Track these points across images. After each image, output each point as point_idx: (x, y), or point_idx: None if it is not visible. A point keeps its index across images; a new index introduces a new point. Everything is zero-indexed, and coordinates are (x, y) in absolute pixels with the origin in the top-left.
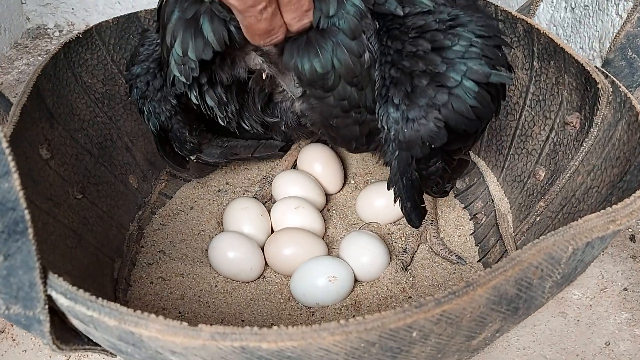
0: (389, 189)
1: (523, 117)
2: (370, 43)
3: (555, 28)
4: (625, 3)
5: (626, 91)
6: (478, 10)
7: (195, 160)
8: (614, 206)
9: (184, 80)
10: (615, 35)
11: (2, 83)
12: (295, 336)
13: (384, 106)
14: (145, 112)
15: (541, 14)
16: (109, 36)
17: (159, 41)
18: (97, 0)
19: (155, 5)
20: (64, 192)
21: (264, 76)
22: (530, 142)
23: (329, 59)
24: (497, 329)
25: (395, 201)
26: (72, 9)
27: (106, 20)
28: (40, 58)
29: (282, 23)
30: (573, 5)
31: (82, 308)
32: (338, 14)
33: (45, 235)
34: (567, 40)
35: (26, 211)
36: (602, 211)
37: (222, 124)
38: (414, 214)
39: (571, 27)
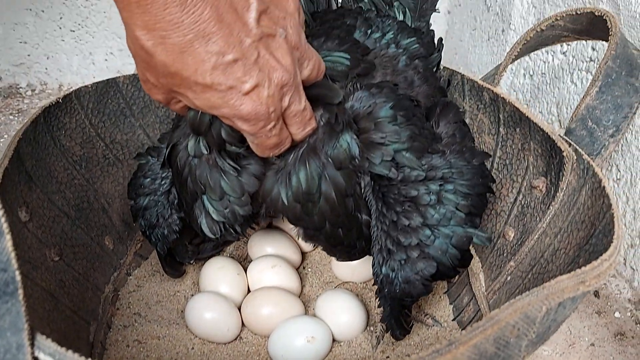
0: (381, 322)
1: None
2: (366, 198)
3: (515, 93)
4: (579, 72)
5: (589, 159)
6: (472, 152)
7: (192, 262)
8: (583, 268)
9: (227, 228)
10: (577, 107)
11: None
12: None
13: (378, 264)
14: (153, 239)
15: (502, 80)
16: (87, 100)
17: (164, 175)
18: (71, 60)
19: (131, 68)
20: (42, 254)
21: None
22: (499, 203)
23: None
24: None
25: (386, 331)
26: (46, 69)
27: (85, 85)
28: (11, 117)
29: (288, 134)
30: (531, 73)
31: None
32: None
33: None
34: (527, 104)
35: (17, 272)
36: (572, 273)
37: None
38: (399, 331)
39: (530, 92)
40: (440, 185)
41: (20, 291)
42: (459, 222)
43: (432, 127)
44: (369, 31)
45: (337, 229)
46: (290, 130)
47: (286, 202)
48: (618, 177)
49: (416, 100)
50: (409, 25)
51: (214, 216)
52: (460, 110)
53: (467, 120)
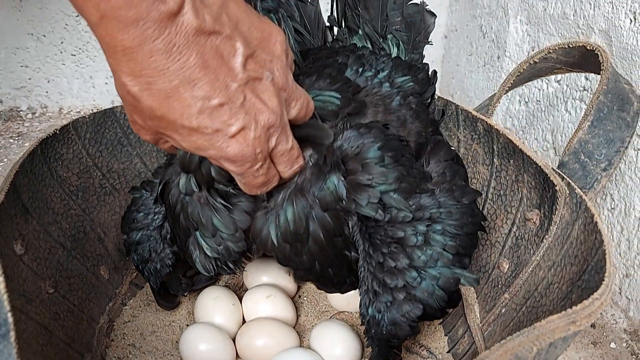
0: None
1: (486, 209)
2: (354, 238)
3: (511, 119)
4: (572, 101)
5: (581, 193)
6: (462, 191)
7: (186, 294)
8: (574, 307)
9: (220, 265)
10: (569, 140)
11: None
12: None
13: (364, 306)
14: (146, 274)
15: (498, 106)
16: (85, 131)
17: (156, 210)
18: (71, 84)
19: None
20: (37, 287)
21: None
22: (494, 234)
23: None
24: None
25: None
26: (47, 92)
27: (83, 117)
28: (11, 140)
29: (275, 172)
30: (526, 100)
31: None
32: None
33: (17, 334)
34: (523, 131)
35: (9, 314)
36: (563, 313)
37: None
38: None
39: (525, 119)
40: (428, 225)
41: (13, 333)
42: (446, 264)
43: (422, 165)
44: (361, 69)
45: (327, 269)
46: (278, 168)
47: (275, 243)
48: (612, 207)
49: (406, 140)
50: (404, 59)
51: (208, 252)
52: (454, 143)
53: (461, 150)
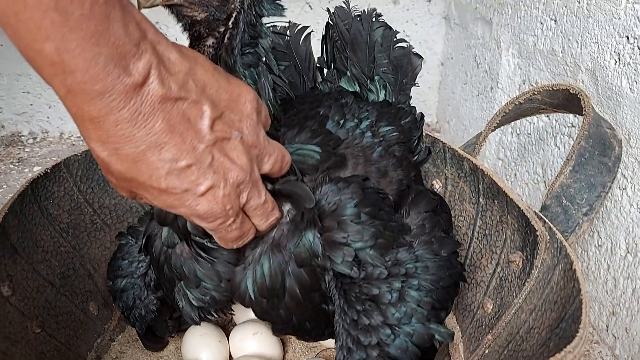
0: None
1: (472, 248)
2: (330, 293)
3: (503, 150)
4: (561, 137)
5: (562, 239)
6: (441, 243)
7: (174, 336)
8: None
9: (205, 315)
10: (552, 184)
11: None
12: None
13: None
14: (131, 320)
15: (491, 136)
16: (76, 169)
17: (140, 258)
18: None
19: None
20: (23, 328)
21: None
22: (479, 273)
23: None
24: None
25: None
26: (48, 117)
27: (75, 154)
28: (12, 166)
29: (250, 226)
30: (518, 132)
31: None
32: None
33: None
34: (515, 162)
35: None
36: None
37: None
38: None
39: (517, 151)
40: (404, 281)
41: None
42: (420, 319)
43: (402, 216)
44: (342, 121)
45: (304, 322)
46: (253, 221)
47: (253, 297)
48: (599, 244)
49: (385, 193)
50: (391, 101)
51: (194, 302)
52: (441, 180)
53: (449, 187)
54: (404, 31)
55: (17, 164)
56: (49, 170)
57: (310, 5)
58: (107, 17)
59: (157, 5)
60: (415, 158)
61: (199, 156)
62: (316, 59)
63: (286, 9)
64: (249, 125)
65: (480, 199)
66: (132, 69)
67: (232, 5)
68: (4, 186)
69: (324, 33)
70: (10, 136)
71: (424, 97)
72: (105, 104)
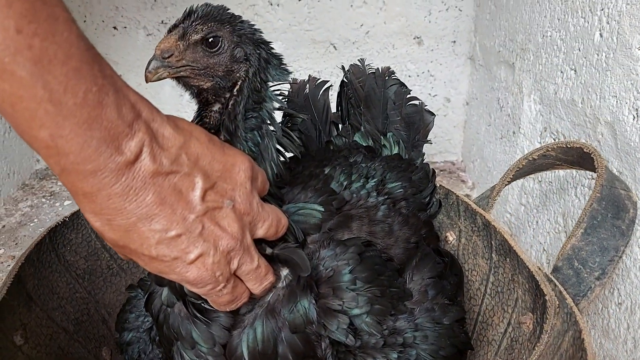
0: None
1: (484, 304)
2: (326, 359)
3: (525, 196)
4: (582, 188)
5: (572, 304)
6: (444, 310)
7: None
8: None
9: None
10: (563, 245)
11: (4, 226)
12: None
13: None
14: None
15: (498, 199)
16: None
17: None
18: None
19: None
20: None
21: None
22: (491, 331)
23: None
24: None
25: None
26: None
27: None
28: (43, 199)
29: (244, 290)
30: (540, 179)
31: None
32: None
33: None
34: (537, 209)
35: None
36: None
37: None
38: None
39: (539, 198)
40: (401, 352)
41: None
42: None
43: (405, 281)
44: (347, 182)
45: None
46: (247, 285)
47: None
48: (619, 301)
49: (388, 254)
50: (402, 157)
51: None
52: (455, 232)
53: (462, 240)
54: (428, 71)
55: (49, 197)
56: (67, 219)
57: (334, 46)
58: (100, 103)
59: (164, 78)
60: (426, 212)
61: (189, 226)
62: (332, 113)
63: (292, 72)
64: (242, 194)
65: (493, 255)
66: (124, 148)
67: (237, 74)
68: (35, 220)
69: (339, 90)
70: (44, 170)
71: (449, 135)
72: (98, 181)
